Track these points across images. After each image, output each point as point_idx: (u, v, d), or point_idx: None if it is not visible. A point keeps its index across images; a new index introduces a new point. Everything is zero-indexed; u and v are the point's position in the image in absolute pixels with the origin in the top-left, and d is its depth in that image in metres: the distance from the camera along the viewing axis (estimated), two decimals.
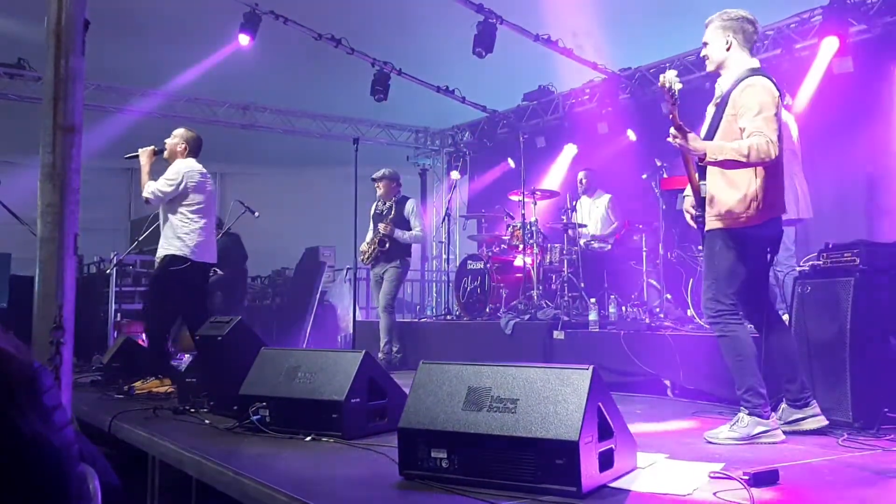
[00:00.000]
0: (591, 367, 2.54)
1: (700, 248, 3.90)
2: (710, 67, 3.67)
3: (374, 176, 7.39)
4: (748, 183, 3.43)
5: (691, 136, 3.32)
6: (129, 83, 10.49)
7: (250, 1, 8.51)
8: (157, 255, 5.57)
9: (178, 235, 5.43)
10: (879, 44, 6.85)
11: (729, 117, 3.48)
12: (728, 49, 3.57)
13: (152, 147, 5.65)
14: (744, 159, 3.28)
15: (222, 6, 8.41)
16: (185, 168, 5.49)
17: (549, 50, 8.73)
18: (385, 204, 7.39)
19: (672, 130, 3.31)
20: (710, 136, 3.55)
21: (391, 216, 7.25)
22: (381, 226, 7.21)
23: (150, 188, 5.42)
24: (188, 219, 5.46)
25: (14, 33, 9.00)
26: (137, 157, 5.62)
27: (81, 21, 4.13)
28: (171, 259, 5.42)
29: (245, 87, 10.53)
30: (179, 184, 5.42)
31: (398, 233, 7.20)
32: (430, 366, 2.84)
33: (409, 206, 7.38)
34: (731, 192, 3.45)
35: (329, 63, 9.69)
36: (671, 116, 3.31)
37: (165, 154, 5.65)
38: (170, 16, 8.75)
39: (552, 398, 2.50)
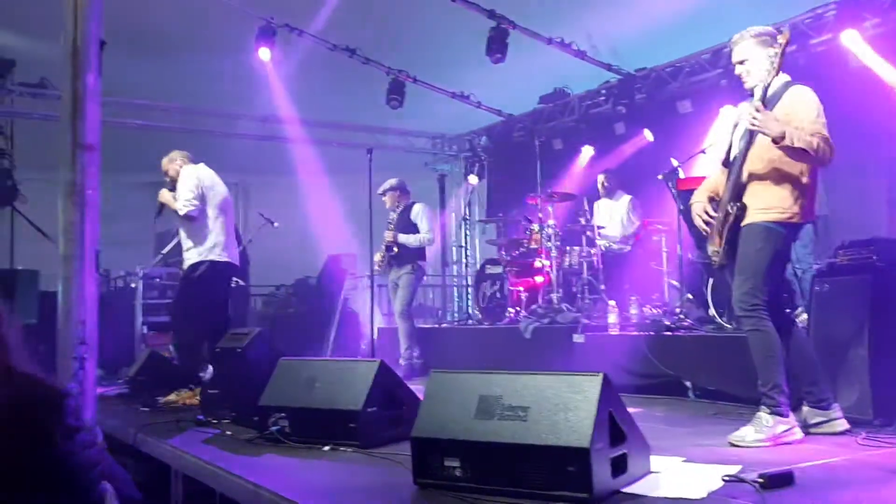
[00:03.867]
0: (602, 374, 2.55)
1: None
2: (750, 83, 3.65)
3: (378, 191, 7.43)
4: (798, 180, 3.51)
5: (772, 115, 3.39)
6: (149, 98, 10.64)
7: (265, 14, 8.61)
8: (185, 264, 5.74)
9: (201, 239, 5.58)
10: (895, 38, 6.76)
11: (782, 117, 3.47)
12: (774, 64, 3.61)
13: (164, 188, 5.83)
14: (812, 153, 3.36)
15: (238, 19, 8.52)
16: (192, 171, 5.66)
17: (563, 52, 8.75)
18: (394, 213, 7.49)
19: (758, 107, 3.36)
20: (750, 141, 3.58)
21: (397, 222, 7.34)
22: (385, 234, 7.30)
23: (179, 205, 5.56)
24: (210, 219, 5.61)
25: (36, 53, 9.16)
26: (164, 204, 5.78)
27: (97, 40, 4.21)
28: (196, 265, 5.57)
29: (263, 99, 10.64)
30: (198, 185, 5.58)
31: (402, 237, 7.25)
32: (441, 374, 2.87)
33: (416, 209, 7.42)
34: (781, 186, 3.51)
35: (346, 72, 9.77)
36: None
37: (171, 179, 5.82)
38: (186, 32, 8.87)
39: (563, 405, 2.51)
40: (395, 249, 7.26)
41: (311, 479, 2.97)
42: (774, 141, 3.35)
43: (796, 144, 3.33)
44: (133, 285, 8.44)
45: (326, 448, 3.47)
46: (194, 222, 5.61)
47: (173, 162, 5.84)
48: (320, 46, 8.99)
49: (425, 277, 7.90)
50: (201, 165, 5.80)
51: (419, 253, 7.39)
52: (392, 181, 7.51)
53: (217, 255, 5.60)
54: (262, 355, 4.20)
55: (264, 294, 11.21)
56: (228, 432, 4.03)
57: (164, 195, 5.76)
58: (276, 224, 7.30)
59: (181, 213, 5.55)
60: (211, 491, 3.36)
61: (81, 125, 4.09)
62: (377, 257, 7.33)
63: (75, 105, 4.03)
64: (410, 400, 3.75)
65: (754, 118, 3.37)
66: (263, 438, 3.67)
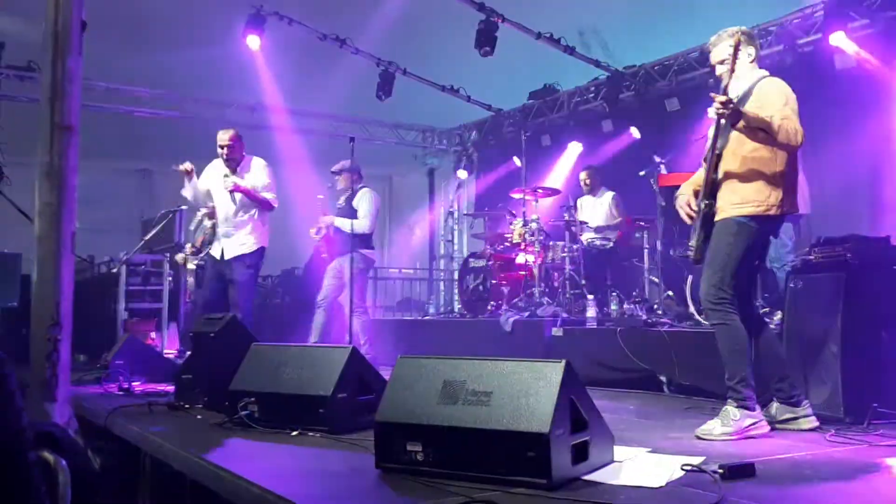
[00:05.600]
0: (564, 361, 2.55)
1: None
2: (727, 80, 3.67)
3: (333, 168, 7.00)
4: (771, 173, 3.55)
5: (734, 102, 3.45)
6: (139, 85, 10.59)
7: (255, 1, 8.59)
8: (235, 252, 5.91)
9: (257, 227, 5.94)
10: (882, 38, 6.79)
11: (754, 109, 3.51)
12: (751, 61, 3.71)
13: (224, 173, 5.98)
14: (773, 132, 3.41)
15: (228, 7, 8.50)
16: (263, 163, 6.04)
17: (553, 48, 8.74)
18: (343, 198, 6.98)
19: (721, 100, 3.39)
20: (725, 135, 3.62)
21: (344, 207, 6.89)
22: (321, 217, 6.87)
23: (270, 196, 5.97)
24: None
25: (26, 36, 9.12)
26: (235, 190, 5.93)
27: (79, 23, 4.19)
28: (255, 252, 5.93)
29: (252, 88, 10.62)
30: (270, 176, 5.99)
31: (338, 220, 6.78)
32: (407, 360, 2.86)
33: (359, 195, 6.87)
34: (756, 180, 3.55)
35: (336, 62, 9.76)
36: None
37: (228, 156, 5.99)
38: (177, 17, 8.85)
39: (525, 391, 2.51)
40: (323, 231, 6.86)
41: (275, 463, 2.96)
42: (734, 125, 3.42)
43: (752, 124, 3.40)
44: (113, 270, 8.39)
45: (294, 433, 3.46)
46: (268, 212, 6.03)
47: (234, 141, 5.99)
48: (310, 36, 8.97)
49: (373, 270, 7.54)
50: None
51: (360, 240, 6.72)
52: (347, 162, 6.92)
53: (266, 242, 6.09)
54: (235, 341, 4.18)
55: None
56: (199, 416, 4.02)
57: (237, 180, 5.94)
58: None
59: (275, 203, 6.03)
60: (181, 473, 3.35)
61: (61, 106, 4.07)
62: (311, 231, 6.98)
63: (55, 86, 4.02)
64: (382, 387, 3.74)
65: (718, 104, 3.39)
66: (233, 423, 3.65)
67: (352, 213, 6.78)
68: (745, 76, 3.69)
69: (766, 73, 3.71)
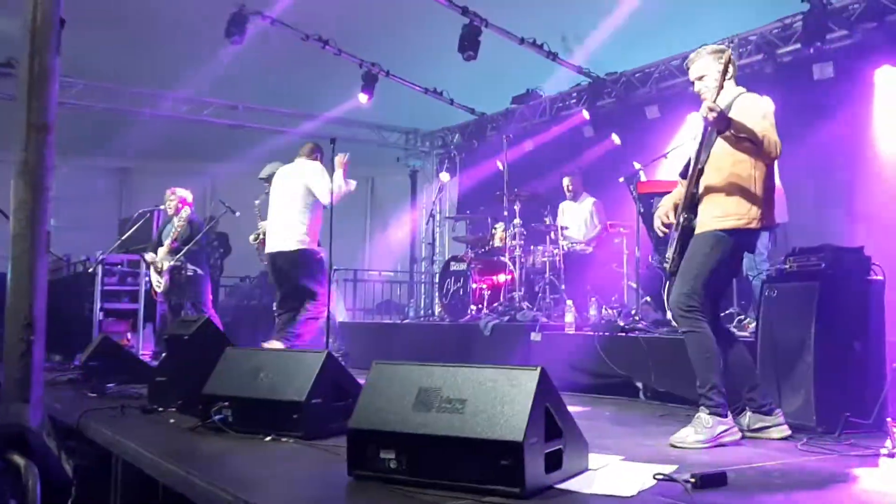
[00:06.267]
0: (539, 368, 2.55)
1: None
2: (715, 95, 3.68)
3: (261, 175, 6.81)
4: (752, 187, 3.59)
5: (722, 109, 3.48)
6: (117, 82, 10.49)
7: (237, 1, 8.53)
8: (287, 248, 5.99)
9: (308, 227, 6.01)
10: (859, 50, 6.87)
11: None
12: (730, 77, 3.72)
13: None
14: (757, 142, 3.46)
15: (210, 5, 8.43)
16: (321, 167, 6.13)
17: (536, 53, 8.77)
18: None
19: (711, 106, 3.42)
20: (707, 150, 3.67)
21: None
22: (259, 224, 6.70)
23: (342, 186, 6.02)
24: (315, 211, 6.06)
25: (4, 32, 9.01)
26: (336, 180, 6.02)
27: (57, 19, 4.13)
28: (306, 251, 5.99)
29: (233, 87, 10.55)
30: None
31: None
32: (382, 366, 2.85)
33: None
34: (737, 193, 3.59)
35: (319, 63, 9.71)
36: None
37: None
38: (157, 15, 8.75)
39: (500, 399, 2.51)
40: (262, 237, 6.61)
41: (247, 468, 2.94)
42: (720, 132, 3.45)
43: (740, 133, 3.44)
44: (90, 270, 8.31)
45: (268, 439, 3.43)
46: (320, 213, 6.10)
47: (314, 150, 6.33)
48: (293, 36, 8.93)
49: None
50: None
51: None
52: (276, 164, 6.74)
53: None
54: (210, 344, 4.15)
55: (229, 285, 11.13)
56: (172, 420, 3.98)
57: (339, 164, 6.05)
58: (237, 213, 7.18)
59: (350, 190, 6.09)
60: (152, 478, 3.31)
61: (38, 104, 4.01)
62: (251, 238, 6.82)
63: (31, 84, 3.96)
64: (357, 392, 3.72)
65: (707, 109, 3.42)
66: (206, 427, 3.62)
67: None
68: (724, 92, 3.71)
69: (744, 89, 3.76)
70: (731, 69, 3.72)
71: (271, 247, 6.14)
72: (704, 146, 3.68)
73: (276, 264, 6.17)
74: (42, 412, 3.89)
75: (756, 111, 3.57)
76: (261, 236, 6.66)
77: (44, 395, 3.85)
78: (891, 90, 6.74)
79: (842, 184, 7.02)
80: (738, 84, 3.79)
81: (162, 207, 7.97)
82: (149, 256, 7.55)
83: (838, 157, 6.91)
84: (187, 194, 7.76)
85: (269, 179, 6.74)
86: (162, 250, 7.37)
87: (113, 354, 5.79)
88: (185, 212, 7.46)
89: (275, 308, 6.39)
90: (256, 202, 6.86)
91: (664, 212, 3.91)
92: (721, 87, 3.53)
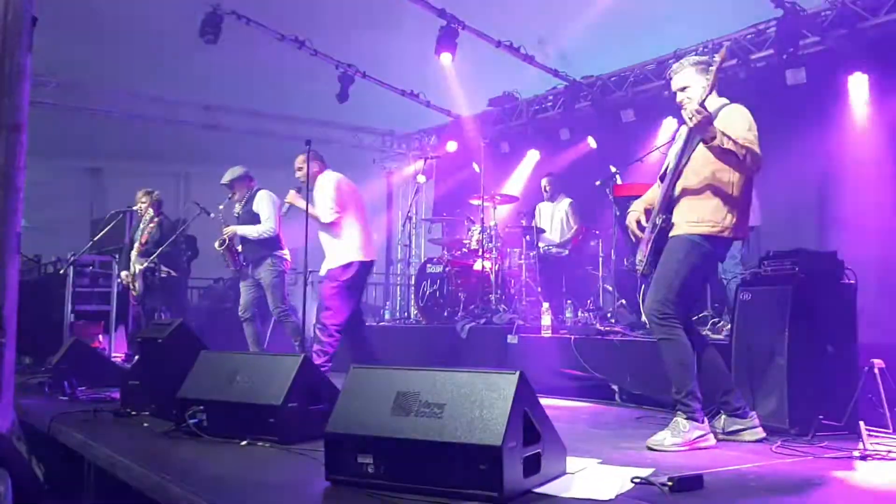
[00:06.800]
0: (518, 372, 2.55)
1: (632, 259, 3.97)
2: (704, 96, 3.68)
3: (223, 181, 6.72)
4: (729, 195, 3.61)
5: (709, 115, 3.47)
6: (91, 82, 10.35)
7: (213, 1, 8.45)
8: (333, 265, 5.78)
9: (344, 242, 5.73)
10: (832, 56, 6.96)
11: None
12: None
13: (292, 190, 5.87)
14: (741, 156, 3.46)
15: (184, 5, 8.35)
16: (333, 179, 5.79)
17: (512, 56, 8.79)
18: (240, 205, 6.72)
19: (699, 109, 3.41)
20: (688, 154, 3.68)
21: (242, 215, 6.65)
22: (223, 229, 6.55)
23: (324, 213, 5.69)
24: (348, 223, 5.74)
25: None
26: (291, 206, 5.86)
27: (29, 18, 4.08)
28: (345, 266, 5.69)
29: (208, 87, 10.45)
30: (335, 197, 5.68)
31: (241, 229, 6.52)
32: (360, 370, 2.84)
33: (258, 198, 6.62)
34: (714, 200, 3.60)
35: (294, 64, 9.66)
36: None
37: (303, 179, 5.90)
38: (131, 14, 8.65)
39: (478, 403, 2.50)
40: (240, 248, 6.58)
41: (222, 473, 2.90)
42: (705, 141, 3.45)
43: (726, 145, 3.43)
44: (61, 272, 8.18)
45: (244, 443, 3.40)
46: (334, 227, 5.73)
47: (305, 165, 5.90)
48: (269, 36, 8.87)
49: (288, 272, 7.02)
50: (332, 172, 5.94)
51: (270, 243, 6.54)
52: (238, 169, 6.71)
53: (364, 255, 5.79)
54: (185, 347, 4.10)
55: (202, 287, 11.01)
56: (146, 424, 3.93)
57: (298, 202, 5.81)
58: (211, 214, 7.10)
59: (326, 220, 5.69)
60: (125, 483, 3.26)
61: (9, 104, 3.95)
62: (216, 244, 6.63)
63: (3, 83, 3.90)
64: (335, 395, 3.69)
65: (695, 113, 3.41)
66: (180, 432, 3.58)
67: (254, 219, 6.58)
68: (708, 102, 3.72)
69: (727, 100, 3.77)
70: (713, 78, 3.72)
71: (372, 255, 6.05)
72: (686, 149, 3.68)
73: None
74: (13, 415, 3.84)
75: (741, 122, 3.58)
76: (227, 242, 6.54)
77: (14, 398, 3.81)
78: (863, 96, 6.83)
79: (814, 188, 7.11)
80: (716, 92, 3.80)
81: (134, 208, 7.88)
82: (123, 274, 7.55)
83: (811, 161, 6.98)
84: (158, 195, 7.70)
85: (230, 185, 6.71)
86: (133, 253, 7.32)
87: (84, 357, 5.71)
88: (149, 214, 7.47)
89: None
90: (220, 207, 6.77)
91: (635, 217, 3.92)
92: (712, 88, 3.51)
